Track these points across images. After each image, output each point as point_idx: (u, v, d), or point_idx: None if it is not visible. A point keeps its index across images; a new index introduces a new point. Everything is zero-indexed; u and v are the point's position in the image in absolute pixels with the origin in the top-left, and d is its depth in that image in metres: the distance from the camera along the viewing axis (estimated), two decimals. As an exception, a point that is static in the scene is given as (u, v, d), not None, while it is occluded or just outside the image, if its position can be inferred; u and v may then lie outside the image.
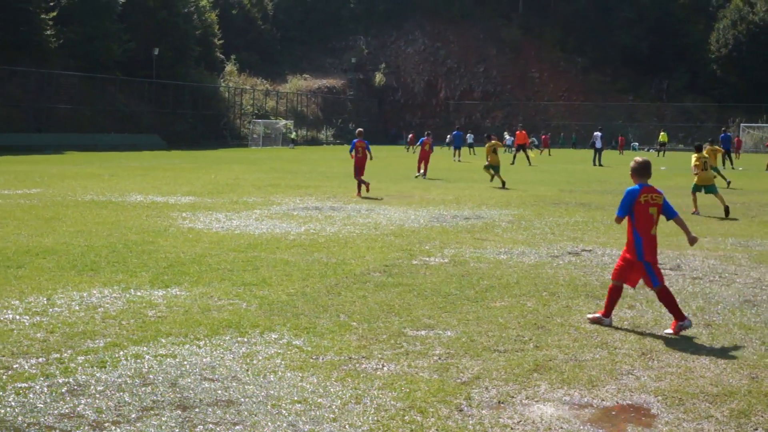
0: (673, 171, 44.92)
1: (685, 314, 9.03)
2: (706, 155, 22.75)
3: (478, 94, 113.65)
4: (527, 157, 50.90)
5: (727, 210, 20.84)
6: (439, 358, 7.60)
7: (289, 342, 8.07)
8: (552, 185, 31.10)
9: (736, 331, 8.86)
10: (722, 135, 48.50)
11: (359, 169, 25.55)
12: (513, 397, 6.63)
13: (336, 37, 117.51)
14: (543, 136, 78.73)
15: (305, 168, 37.82)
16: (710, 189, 21.69)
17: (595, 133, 53.10)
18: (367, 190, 25.10)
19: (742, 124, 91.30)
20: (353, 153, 26.09)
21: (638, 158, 9.29)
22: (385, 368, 7.28)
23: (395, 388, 6.73)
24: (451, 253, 13.88)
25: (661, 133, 78.14)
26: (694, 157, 22.15)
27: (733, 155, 51.33)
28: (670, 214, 9.20)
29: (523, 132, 53.80)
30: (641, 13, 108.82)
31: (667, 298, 8.92)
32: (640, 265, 8.99)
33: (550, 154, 70.88)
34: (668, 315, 9.43)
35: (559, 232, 17.09)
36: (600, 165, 48.84)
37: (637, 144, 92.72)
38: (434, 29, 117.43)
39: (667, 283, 11.39)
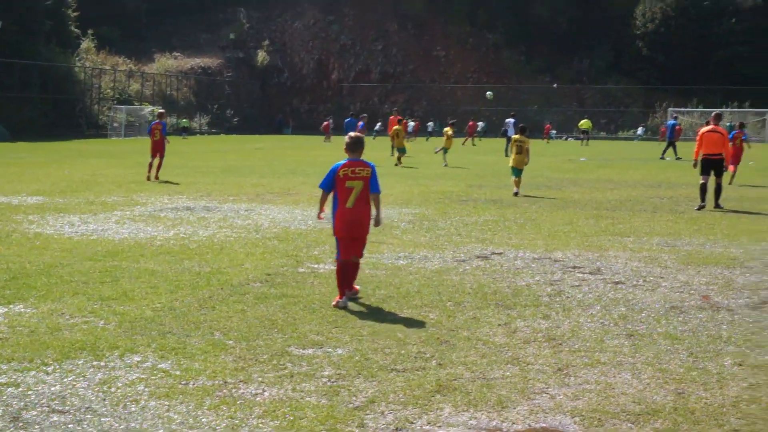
0: (595, 161, 45.92)
1: (356, 288, 10.88)
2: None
3: (375, 75, 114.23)
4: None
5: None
6: (329, 380, 7.62)
7: (154, 365, 7.98)
8: (459, 180, 31.45)
9: (662, 342, 9.11)
10: (669, 122, 49.52)
11: (156, 152, 29.33)
12: (412, 422, 6.68)
13: (212, 9, 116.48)
14: (471, 123, 78.68)
15: (175, 161, 37.41)
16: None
17: (508, 120, 53.78)
18: (156, 177, 28.67)
19: (669, 109, 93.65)
20: (151, 135, 29.91)
21: (351, 134, 11.04)
22: (266, 393, 7.26)
23: (278, 416, 6.72)
24: (343, 258, 13.91)
25: (583, 120, 79.60)
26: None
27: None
28: (372, 188, 10.74)
29: (398, 117, 52.38)
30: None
31: (339, 274, 10.63)
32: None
33: (474, 144, 71.47)
34: (588, 326, 9.65)
35: (467, 233, 17.30)
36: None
37: (555, 132, 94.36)
38: (326, 1, 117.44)
39: (585, 288, 11.64)
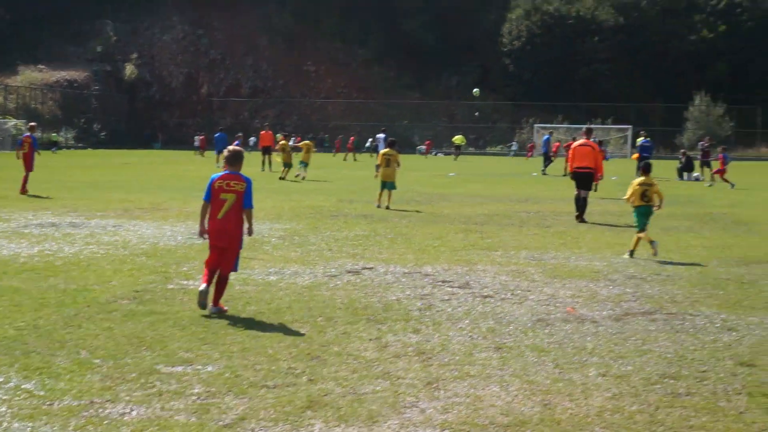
0: (464, 176, 46.53)
1: (224, 308, 10.97)
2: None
3: (246, 90, 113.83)
4: (268, 162, 49.21)
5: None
6: (198, 398, 7.54)
7: (17, 386, 7.77)
8: (330, 194, 31.50)
9: (529, 354, 9.27)
10: (545, 137, 50.34)
11: (27, 165, 29.79)
12: (283, 439, 6.65)
13: (78, 21, 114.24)
14: (351, 138, 78.48)
15: (41, 176, 36.51)
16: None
17: (378, 135, 54.19)
18: (24, 192, 28.58)
19: (536, 125, 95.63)
20: (19, 148, 30.68)
21: (231, 147, 11.40)
22: (134, 412, 7.14)
23: (146, 436, 6.62)
24: (213, 274, 13.79)
25: (457, 136, 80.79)
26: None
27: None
28: (245, 203, 10.99)
29: (269, 132, 52.25)
30: (429, 0, 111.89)
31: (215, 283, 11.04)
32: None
33: (355, 159, 71.37)
34: (457, 339, 9.76)
35: (338, 248, 17.32)
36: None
37: (423, 147, 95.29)
38: (195, 14, 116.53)
39: (455, 302, 11.77)
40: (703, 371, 8.72)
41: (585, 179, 23.13)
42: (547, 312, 11.43)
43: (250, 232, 11.29)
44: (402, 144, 48.48)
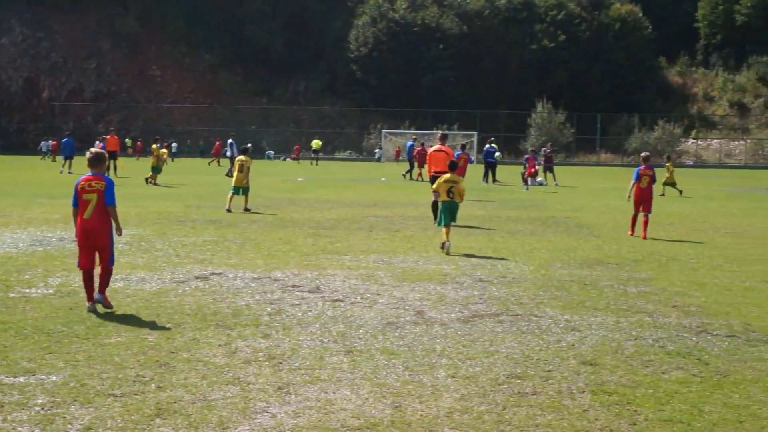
0: (314, 181, 46.55)
1: (110, 303, 11.35)
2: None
3: (89, 94, 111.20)
4: (113, 167, 48.22)
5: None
6: (42, 409, 7.32)
7: None
8: (177, 200, 31.08)
9: (379, 357, 9.32)
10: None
11: None
12: (131, 448, 6.52)
13: None
14: (217, 143, 76.28)
15: None
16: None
17: (230, 141, 53.87)
18: None
19: (383, 131, 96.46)
20: None
21: (92, 150, 11.76)
22: (-26, 425, 6.90)
23: (-14, 449, 6.40)
24: (57, 282, 13.45)
25: (315, 140, 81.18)
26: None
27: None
28: (106, 201, 11.33)
29: (115, 137, 51.78)
30: (276, 6, 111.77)
31: (84, 281, 11.41)
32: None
33: (219, 165, 69.92)
34: (307, 343, 9.75)
35: (185, 253, 17.10)
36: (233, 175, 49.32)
37: (272, 152, 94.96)
38: (35, 17, 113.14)
39: (305, 307, 11.78)
40: (548, 371, 8.93)
41: None
42: (397, 315, 11.51)
43: (118, 232, 11.72)
44: (252, 150, 48.09)
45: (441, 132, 25.47)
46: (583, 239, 21.10)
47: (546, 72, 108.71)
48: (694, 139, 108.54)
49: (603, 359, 9.43)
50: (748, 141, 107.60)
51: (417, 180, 49.83)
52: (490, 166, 47.94)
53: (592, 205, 32.60)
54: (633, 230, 22.02)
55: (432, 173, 23.60)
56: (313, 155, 79.43)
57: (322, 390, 8.09)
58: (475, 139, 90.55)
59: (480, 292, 13.48)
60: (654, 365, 9.22)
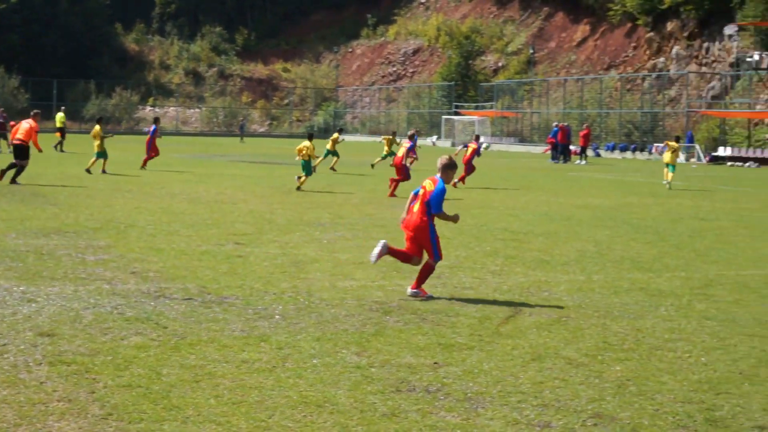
0: None
1: None
2: None
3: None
4: None
5: None
6: None
7: None
8: None
9: None
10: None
11: None
12: None
13: None
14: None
15: None
16: None
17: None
18: None
19: None
20: None
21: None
22: None
23: None
24: None
25: None
26: None
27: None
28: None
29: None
30: None
31: None
32: None
33: None
34: None
35: None
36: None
37: None
38: None
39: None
40: (3, 345, 8.62)
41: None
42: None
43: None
44: None
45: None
46: (40, 208, 20.58)
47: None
48: (151, 106, 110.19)
49: (61, 329, 9.28)
50: (203, 109, 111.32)
51: None
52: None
53: (50, 173, 31.83)
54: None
55: None
56: None
57: None
58: None
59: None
60: (113, 332, 9.24)
